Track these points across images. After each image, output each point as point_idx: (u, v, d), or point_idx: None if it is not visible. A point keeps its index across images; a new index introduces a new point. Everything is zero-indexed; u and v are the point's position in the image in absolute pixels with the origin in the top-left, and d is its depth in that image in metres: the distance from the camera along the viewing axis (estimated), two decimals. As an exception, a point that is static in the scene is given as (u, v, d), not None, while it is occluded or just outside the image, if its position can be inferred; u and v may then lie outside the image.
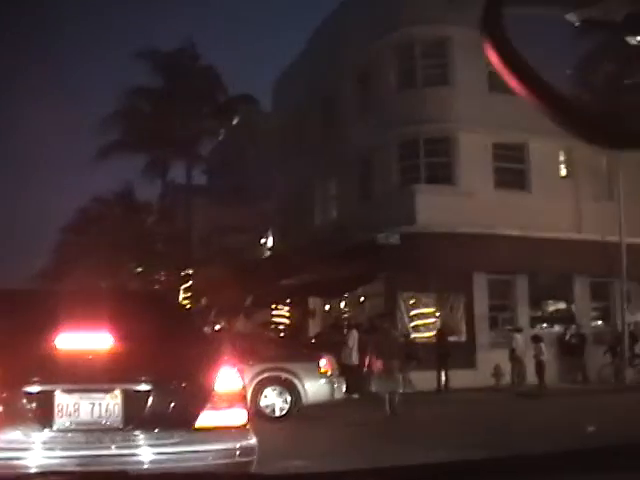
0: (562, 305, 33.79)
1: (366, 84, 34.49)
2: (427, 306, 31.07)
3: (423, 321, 30.94)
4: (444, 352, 28.19)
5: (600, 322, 33.86)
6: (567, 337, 31.47)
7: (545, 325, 32.30)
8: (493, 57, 1.38)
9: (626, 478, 2.16)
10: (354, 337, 27.01)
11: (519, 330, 29.44)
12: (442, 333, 29.24)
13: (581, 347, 30.95)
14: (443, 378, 28.15)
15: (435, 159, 32.07)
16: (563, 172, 33.84)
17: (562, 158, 33.66)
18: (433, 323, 30.77)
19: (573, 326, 32.04)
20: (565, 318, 32.87)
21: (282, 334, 35.49)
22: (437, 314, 31.07)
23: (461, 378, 28.40)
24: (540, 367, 28.32)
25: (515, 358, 28.45)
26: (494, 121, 30.01)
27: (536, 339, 29.06)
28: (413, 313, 30.81)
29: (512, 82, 1.39)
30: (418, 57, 32.08)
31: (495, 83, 29.66)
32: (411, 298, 30.87)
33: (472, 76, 29.30)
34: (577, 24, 1.44)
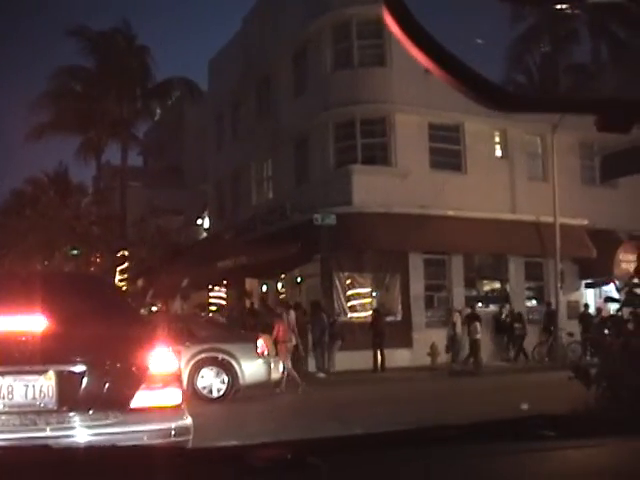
0: (497, 285, 34.19)
1: (302, 64, 34.43)
2: (363, 286, 31.16)
3: (360, 301, 31.04)
4: (380, 331, 28.32)
5: (534, 302, 34.30)
6: (503, 316, 31.86)
7: (480, 305, 32.63)
8: (392, 25, 1.40)
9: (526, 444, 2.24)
10: (292, 318, 27.00)
11: (459, 311, 29.72)
12: (378, 313, 29.36)
13: (512, 326, 31.40)
14: (379, 357, 28.29)
15: (371, 140, 32.14)
16: (498, 153, 34.17)
17: (497, 139, 34.00)
18: (369, 303, 30.91)
19: (507, 305, 32.45)
20: (500, 298, 33.27)
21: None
22: (373, 294, 31.21)
23: (397, 357, 28.68)
24: (475, 346, 28.64)
25: (455, 337, 28.77)
26: (430, 102, 30.07)
27: (471, 318, 29.37)
28: (349, 293, 30.91)
29: (411, 49, 1.40)
30: (354, 37, 32.01)
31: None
32: (347, 278, 30.94)
33: (408, 57, 29.19)
34: None
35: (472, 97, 1.44)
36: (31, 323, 6.17)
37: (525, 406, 10.74)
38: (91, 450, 3.22)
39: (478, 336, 28.71)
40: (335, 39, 32.67)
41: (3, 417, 5.91)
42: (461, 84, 1.42)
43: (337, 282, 30.55)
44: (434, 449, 2.17)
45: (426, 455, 2.13)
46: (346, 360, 27.85)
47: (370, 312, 29.89)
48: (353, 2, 30.92)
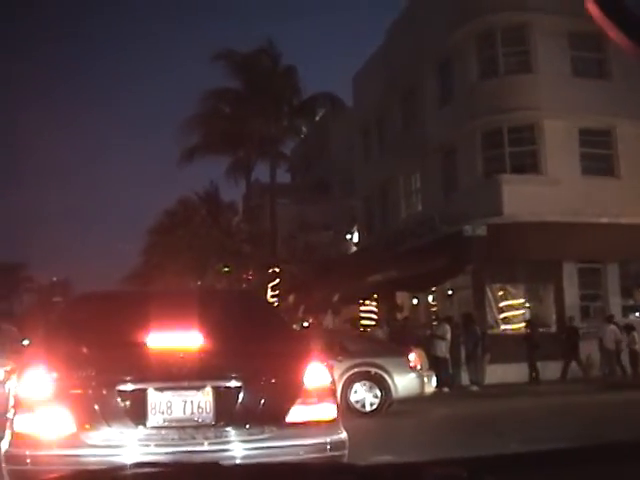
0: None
1: (447, 74, 34.25)
2: (516, 297, 30.72)
3: (512, 312, 30.59)
4: (534, 343, 27.80)
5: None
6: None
7: (638, 314, 31.63)
8: (592, 7, 1.32)
9: None
10: (448, 330, 26.84)
11: (610, 319, 28.79)
12: (532, 324, 28.86)
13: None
14: (534, 370, 27.71)
15: (520, 148, 31.65)
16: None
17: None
18: (522, 314, 30.41)
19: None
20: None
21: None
22: (526, 305, 30.71)
23: (552, 369, 28.02)
24: (634, 357, 27.79)
25: (603, 348, 27.91)
26: (579, 107, 29.54)
27: (628, 328, 28.52)
28: (502, 305, 30.50)
29: (612, 33, 1.32)
30: (499, 45, 31.68)
31: (578, 68, 29.24)
32: (500, 290, 30.57)
33: (555, 62, 28.90)
34: None
35: None
36: (188, 340, 6.30)
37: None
38: (258, 467, 3.22)
39: (637, 347, 27.86)
40: (479, 47, 32.38)
41: (163, 431, 6.05)
42: None
43: (489, 294, 30.20)
44: (614, 466, 2.06)
45: (610, 473, 2.03)
46: (499, 373, 27.43)
47: (523, 324, 29.41)
48: (497, 9, 30.65)
